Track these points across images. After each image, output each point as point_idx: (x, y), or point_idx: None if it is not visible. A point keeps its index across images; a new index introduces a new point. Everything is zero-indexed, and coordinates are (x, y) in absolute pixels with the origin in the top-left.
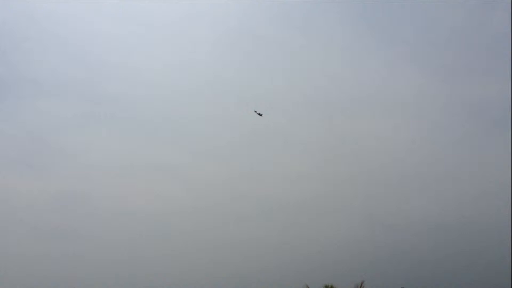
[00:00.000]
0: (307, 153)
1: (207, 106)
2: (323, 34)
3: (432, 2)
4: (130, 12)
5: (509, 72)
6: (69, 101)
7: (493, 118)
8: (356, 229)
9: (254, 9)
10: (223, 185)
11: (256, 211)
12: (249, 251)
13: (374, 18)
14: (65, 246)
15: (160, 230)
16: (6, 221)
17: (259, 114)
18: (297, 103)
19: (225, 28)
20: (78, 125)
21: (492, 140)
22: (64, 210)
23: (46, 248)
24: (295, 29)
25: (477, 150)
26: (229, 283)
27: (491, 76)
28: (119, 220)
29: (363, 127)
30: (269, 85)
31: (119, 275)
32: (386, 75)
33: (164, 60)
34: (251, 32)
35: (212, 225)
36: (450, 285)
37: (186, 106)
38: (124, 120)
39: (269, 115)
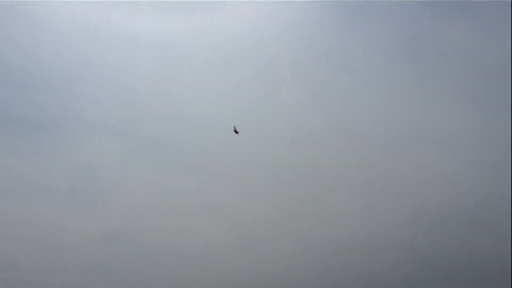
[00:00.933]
0: (355, 190)
1: (250, 144)
2: (365, 69)
3: (474, 39)
4: (176, 58)
5: None
6: (115, 138)
7: None
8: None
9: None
10: (265, 224)
11: (301, 251)
12: None
13: (417, 54)
14: (109, 284)
15: (203, 270)
16: (54, 258)
17: (236, 132)
18: (339, 139)
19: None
20: (124, 162)
21: None
22: (109, 248)
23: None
24: (338, 65)
25: None
26: None
27: None
28: (162, 259)
29: (408, 162)
30: (309, 120)
31: None
32: (430, 110)
33: (207, 100)
34: None
35: (255, 265)
36: None
37: (229, 145)
38: (168, 158)
39: (313, 151)
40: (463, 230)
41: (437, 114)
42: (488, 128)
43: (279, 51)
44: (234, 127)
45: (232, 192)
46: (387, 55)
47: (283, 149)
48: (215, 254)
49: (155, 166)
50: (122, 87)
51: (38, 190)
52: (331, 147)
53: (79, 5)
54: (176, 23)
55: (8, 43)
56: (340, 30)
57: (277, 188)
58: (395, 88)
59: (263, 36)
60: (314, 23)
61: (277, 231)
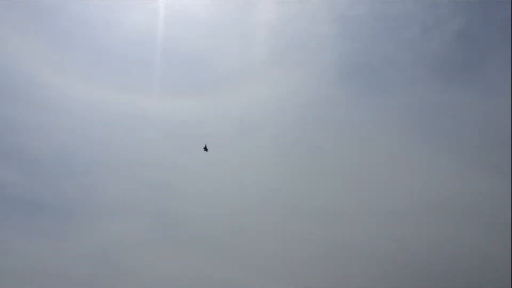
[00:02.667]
0: (379, 267)
1: (271, 224)
2: (379, 141)
3: (483, 105)
4: (188, 137)
5: None
6: (133, 221)
7: None
8: None
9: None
10: None
11: None
12: None
13: (430, 124)
14: None
15: None
16: None
17: (205, 149)
18: (360, 212)
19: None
20: (142, 244)
21: None
22: None
23: None
24: (352, 139)
25: None
26: None
27: None
28: None
29: (426, 233)
30: (326, 194)
31: None
32: (453, 178)
33: (225, 181)
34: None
35: None
36: None
37: (250, 225)
38: (187, 239)
39: (328, 226)
40: None
41: (454, 183)
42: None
43: (292, 128)
44: (205, 145)
45: (256, 273)
46: (401, 126)
47: (293, 226)
48: None
49: (170, 245)
50: (136, 168)
51: (54, 276)
52: (347, 221)
53: (92, 87)
54: (191, 104)
55: (28, 131)
56: (354, 103)
57: (288, 263)
58: (409, 158)
59: (272, 114)
60: (327, 98)
61: None
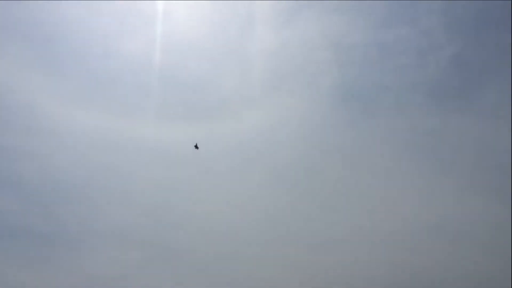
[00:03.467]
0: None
1: (269, 251)
2: (377, 164)
3: (489, 127)
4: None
5: None
6: (129, 249)
7: None
8: None
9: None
10: None
11: None
12: None
13: (430, 148)
14: None
15: None
16: None
17: (196, 147)
18: (357, 237)
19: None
20: (139, 271)
21: None
22: None
23: None
24: (351, 162)
25: None
26: None
27: None
28: None
29: (430, 259)
30: (326, 221)
31: None
32: (445, 203)
33: (222, 207)
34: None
35: None
36: None
37: (247, 252)
38: (181, 266)
39: (328, 253)
40: None
41: (453, 208)
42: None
43: (289, 154)
44: (196, 144)
45: None
46: (398, 151)
47: (291, 252)
48: None
49: (172, 274)
50: (132, 194)
51: None
52: (344, 246)
53: (88, 114)
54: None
55: (23, 156)
56: (351, 129)
57: None
58: (408, 182)
59: (269, 140)
60: (324, 124)
61: None
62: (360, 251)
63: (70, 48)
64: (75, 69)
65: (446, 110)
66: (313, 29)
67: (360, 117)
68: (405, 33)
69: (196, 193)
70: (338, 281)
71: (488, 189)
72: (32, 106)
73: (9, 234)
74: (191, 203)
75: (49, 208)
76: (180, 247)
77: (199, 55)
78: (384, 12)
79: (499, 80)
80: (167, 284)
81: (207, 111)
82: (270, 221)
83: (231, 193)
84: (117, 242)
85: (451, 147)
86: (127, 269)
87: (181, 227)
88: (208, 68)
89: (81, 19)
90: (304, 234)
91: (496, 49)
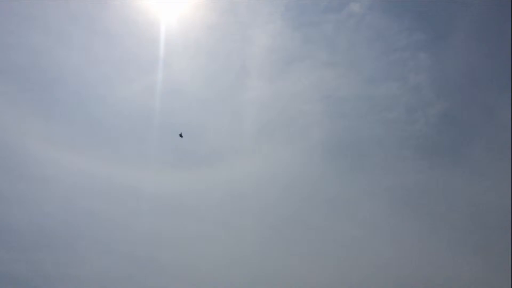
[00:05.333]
0: None
1: None
2: (367, 219)
3: (478, 182)
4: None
5: None
6: None
7: None
8: None
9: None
10: None
11: None
12: None
13: (419, 204)
14: None
15: None
16: None
17: (180, 136)
18: None
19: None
20: None
21: None
22: None
23: None
24: (340, 215)
25: None
26: None
27: None
28: None
29: None
30: (313, 273)
31: None
32: (435, 260)
33: (214, 256)
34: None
35: None
36: None
37: None
38: None
39: None
40: None
41: (442, 265)
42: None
43: (280, 204)
44: (181, 133)
45: None
46: (388, 205)
47: None
48: None
49: None
50: (122, 244)
51: None
52: None
53: (83, 159)
54: (179, 177)
55: (9, 201)
56: (341, 181)
57: None
58: (398, 237)
59: (261, 189)
60: (315, 175)
61: None
62: None
63: (66, 93)
64: (70, 114)
65: (434, 165)
66: (305, 82)
67: (350, 170)
68: (395, 88)
69: (185, 242)
70: None
71: (478, 245)
72: (23, 150)
73: None
74: (180, 252)
75: (32, 253)
76: None
77: (195, 103)
78: (374, 68)
79: (486, 138)
80: None
81: (200, 159)
82: (260, 269)
83: (221, 241)
84: None
85: (439, 202)
86: None
87: (170, 277)
88: (202, 117)
89: (80, 65)
90: (295, 285)
91: (483, 107)
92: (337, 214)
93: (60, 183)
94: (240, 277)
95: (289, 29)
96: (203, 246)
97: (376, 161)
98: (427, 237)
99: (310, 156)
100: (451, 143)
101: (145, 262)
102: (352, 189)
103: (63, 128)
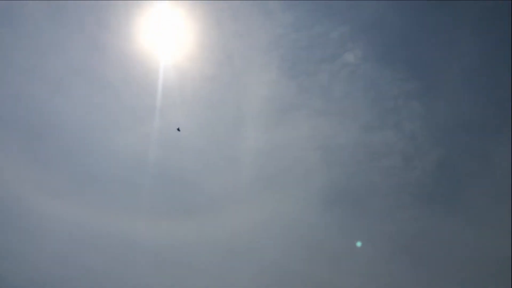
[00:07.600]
0: None
1: None
2: (365, 267)
3: (477, 229)
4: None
5: None
6: None
7: None
8: None
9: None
10: None
11: None
12: None
13: (418, 252)
14: None
15: None
16: None
17: (178, 130)
18: None
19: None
20: None
21: None
22: None
23: None
24: (338, 264)
25: None
26: None
27: None
28: None
29: None
30: None
31: None
32: None
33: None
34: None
35: None
36: None
37: None
38: None
39: None
40: None
41: None
42: None
43: (279, 254)
44: (178, 128)
45: None
46: (387, 252)
47: None
48: None
49: None
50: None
51: None
52: None
53: (77, 209)
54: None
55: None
56: (340, 228)
57: None
58: (397, 286)
59: (258, 238)
60: (313, 223)
61: None
62: None
63: (61, 142)
64: (64, 164)
65: (433, 213)
66: (301, 130)
67: (348, 218)
68: (390, 136)
69: None
70: None
71: None
72: (16, 200)
73: None
74: None
75: None
76: None
77: (192, 152)
78: (369, 116)
79: (484, 183)
80: None
81: (196, 209)
82: None
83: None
84: None
85: (438, 250)
86: None
87: None
88: (200, 166)
89: (75, 114)
90: None
91: (481, 154)
92: (336, 262)
93: (55, 235)
94: None
95: (284, 78)
96: None
97: (373, 209)
98: (426, 285)
99: (308, 203)
100: (449, 191)
101: None
102: (351, 237)
103: (58, 177)
